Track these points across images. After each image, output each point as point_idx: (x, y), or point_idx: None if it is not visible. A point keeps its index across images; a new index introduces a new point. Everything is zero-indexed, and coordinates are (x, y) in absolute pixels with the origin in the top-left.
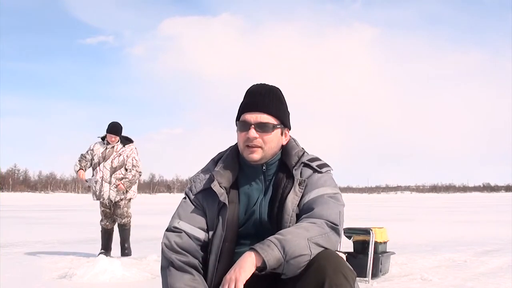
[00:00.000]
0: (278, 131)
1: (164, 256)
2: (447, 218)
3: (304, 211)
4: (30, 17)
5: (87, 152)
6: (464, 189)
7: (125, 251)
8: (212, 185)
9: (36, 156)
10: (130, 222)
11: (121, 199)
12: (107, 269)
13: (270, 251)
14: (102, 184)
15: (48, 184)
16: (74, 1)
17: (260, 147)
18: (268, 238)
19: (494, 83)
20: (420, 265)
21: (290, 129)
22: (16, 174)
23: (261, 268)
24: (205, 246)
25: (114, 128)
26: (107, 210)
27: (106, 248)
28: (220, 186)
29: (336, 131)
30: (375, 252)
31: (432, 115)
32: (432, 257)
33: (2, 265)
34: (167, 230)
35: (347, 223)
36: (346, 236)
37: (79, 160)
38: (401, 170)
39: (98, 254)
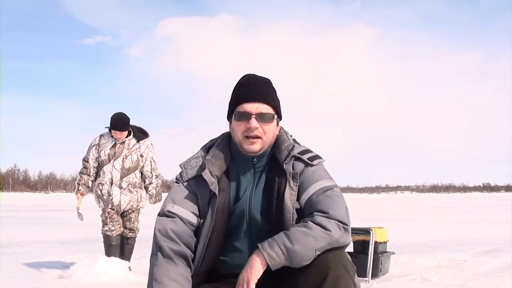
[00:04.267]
0: (275, 122)
1: (155, 242)
2: (447, 218)
3: (308, 209)
4: (29, 17)
5: (89, 153)
6: (464, 189)
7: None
8: (203, 174)
9: (36, 156)
10: (136, 237)
11: (133, 210)
12: (107, 269)
13: (278, 259)
14: (111, 187)
15: (48, 184)
16: (73, 1)
17: (260, 137)
18: (276, 240)
19: (493, 83)
20: (420, 265)
21: (281, 120)
22: (16, 174)
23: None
24: (197, 231)
25: (119, 123)
26: (115, 214)
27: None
28: (211, 175)
29: (336, 131)
30: (375, 252)
31: (432, 115)
32: (432, 257)
33: (2, 265)
34: (160, 214)
35: None
36: None
37: (79, 175)
38: (401, 170)
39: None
